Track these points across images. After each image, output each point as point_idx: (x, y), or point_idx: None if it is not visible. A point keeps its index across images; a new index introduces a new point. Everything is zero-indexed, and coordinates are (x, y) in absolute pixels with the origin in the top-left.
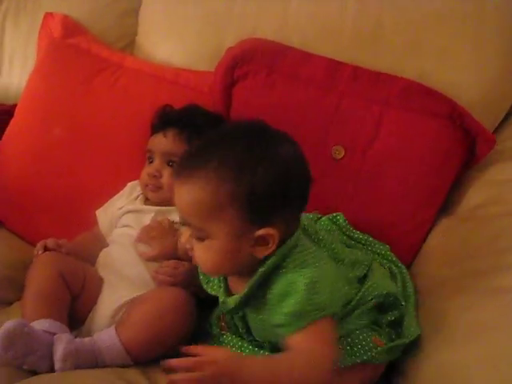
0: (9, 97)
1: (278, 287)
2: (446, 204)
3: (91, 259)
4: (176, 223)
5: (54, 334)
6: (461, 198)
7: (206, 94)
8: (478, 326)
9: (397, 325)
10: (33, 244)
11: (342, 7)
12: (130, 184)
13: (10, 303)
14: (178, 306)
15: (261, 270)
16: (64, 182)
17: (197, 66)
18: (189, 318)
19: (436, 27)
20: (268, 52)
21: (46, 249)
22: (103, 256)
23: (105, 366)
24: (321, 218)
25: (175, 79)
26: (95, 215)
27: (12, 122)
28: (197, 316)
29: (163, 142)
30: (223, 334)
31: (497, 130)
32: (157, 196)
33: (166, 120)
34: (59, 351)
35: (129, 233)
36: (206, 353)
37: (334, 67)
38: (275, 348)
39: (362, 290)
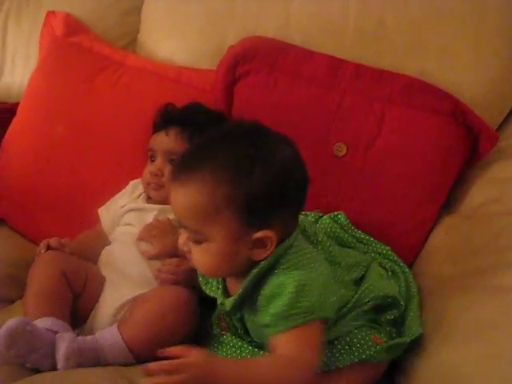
0: (11, 95)
1: (267, 288)
2: (449, 202)
3: (94, 257)
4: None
5: (57, 332)
6: (463, 196)
7: (208, 92)
8: (480, 325)
9: (398, 323)
10: (35, 242)
11: (344, 6)
12: (132, 182)
13: (12, 301)
14: (181, 305)
15: (254, 271)
16: (66, 180)
17: (199, 64)
18: (191, 316)
19: (438, 26)
20: (270, 50)
21: (48, 248)
22: (105, 254)
23: (107, 365)
24: (322, 216)
25: (178, 77)
26: (97, 213)
27: (14, 120)
28: (199, 315)
29: (165, 141)
30: (223, 334)
31: (499, 128)
32: (159, 194)
33: (167, 118)
34: (62, 350)
35: (131, 231)
36: (184, 355)
37: (335, 65)
38: None
39: (359, 292)
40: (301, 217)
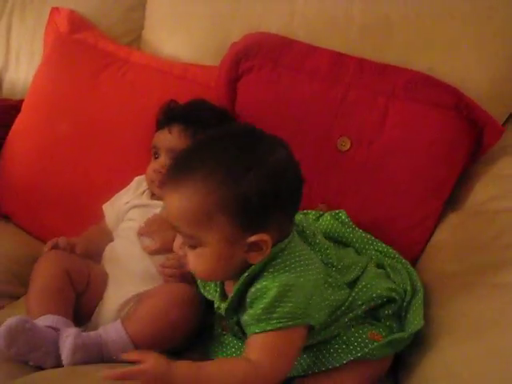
0: (15, 92)
1: (251, 291)
2: (454, 199)
3: (98, 254)
4: None
5: (59, 329)
6: (468, 193)
7: (213, 88)
8: (484, 322)
9: (400, 318)
10: (40, 239)
11: (349, 3)
12: (136, 179)
13: (17, 297)
14: (185, 301)
15: (244, 275)
16: (71, 176)
17: (204, 60)
18: (195, 313)
19: (444, 21)
20: (273, 46)
21: (57, 248)
22: (109, 251)
23: (110, 361)
24: (323, 215)
25: (183, 74)
26: (102, 210)
27: (19, 117)
28: (203, 312)
29: (168, 138)
30: (224, 335)
31: (504, 125)
32: (163, 192)
33: (170, 116)
34: (67, 345)
35: (134, 227)
36: (141, 360)
37: (339, 59)
38: None
39: (353, 294)
40: (300, 216)
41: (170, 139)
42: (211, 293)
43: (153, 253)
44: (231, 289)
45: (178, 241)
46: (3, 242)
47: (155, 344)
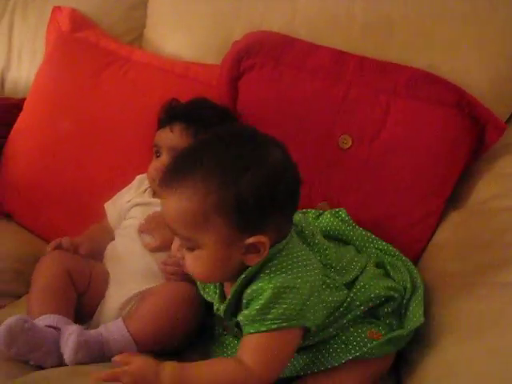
0: (17, 91)
1: (247, 292)
2: (455, 197)
3: (100, 253)
4: None
5: (59, 328)
6: (470, 192)
7: (215, 87)
8: (486, 320)
9: (400, 315)
10: (42, 237)
11: (350, 1)
12: (138, 177)
13: (19, 296)
14: (186, 300)
15: (241, 277)
16: (73, 174)
17: (205, 59)
18: (196, 312)
19: (444, 21)
20: (274, 44)
21: (59, 248)
22: (110, 249)
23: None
24: (322, 213)
25: (184, 73)
26: (103, 208)
27: (21, 115)
28: (204, 311)
29: (170, 137)
30: (225, 335)
31: (507, 123)
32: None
33: (172, 114)
34: (70, 343)
35: (136, 225)
36: (126, 362)
37: (340, 57)
38: None
39: (351, 295)
40: (299, 215)
41: (172, 138)
42: (211, 294)
43: (153, 250)
44: (229, 290)
45: (176, 243)
46: (5, 241)
47: (157, 342)
